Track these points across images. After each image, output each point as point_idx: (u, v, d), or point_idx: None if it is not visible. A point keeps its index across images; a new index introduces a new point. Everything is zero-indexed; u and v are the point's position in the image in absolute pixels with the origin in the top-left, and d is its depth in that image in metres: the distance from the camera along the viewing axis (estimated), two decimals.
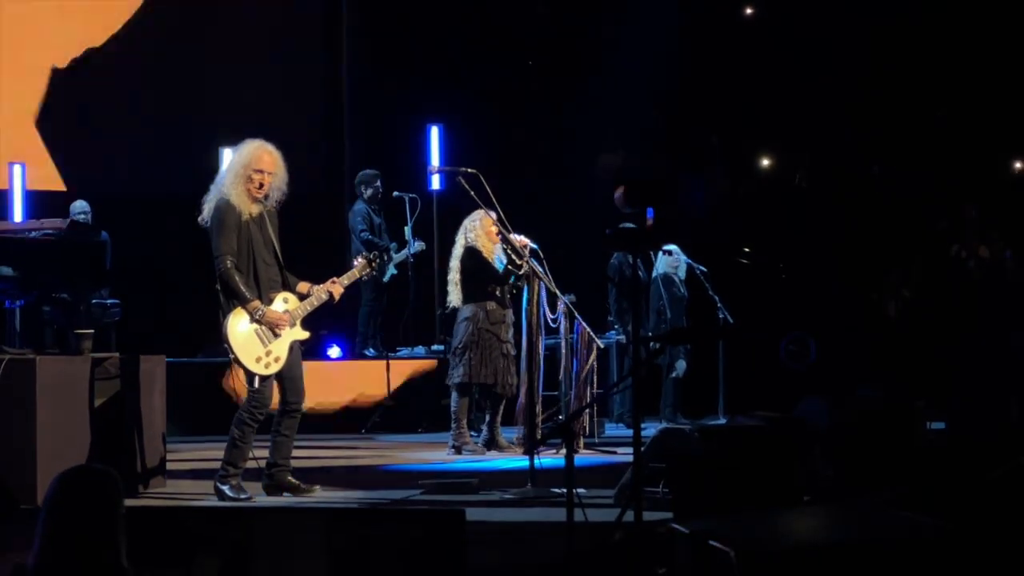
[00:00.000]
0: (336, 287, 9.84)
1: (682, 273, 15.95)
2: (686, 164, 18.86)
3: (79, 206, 15.47)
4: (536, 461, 9.97)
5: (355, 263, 10.17)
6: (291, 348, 9.63)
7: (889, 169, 18.93)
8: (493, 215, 11.52)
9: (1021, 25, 18.03)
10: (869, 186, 18.86)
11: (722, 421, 14.89)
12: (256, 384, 9.52)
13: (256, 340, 9.46)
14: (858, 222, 18.40)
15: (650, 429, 11.06)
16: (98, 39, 18.04)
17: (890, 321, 16.27)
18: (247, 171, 9.59)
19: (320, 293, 9.77)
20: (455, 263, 13.06)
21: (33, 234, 11.94)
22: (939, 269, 16.40)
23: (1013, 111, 18.12)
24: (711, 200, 18.59)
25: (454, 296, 13.09)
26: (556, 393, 13.35)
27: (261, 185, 9.59)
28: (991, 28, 18.26)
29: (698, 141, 19.36)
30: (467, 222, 12.99)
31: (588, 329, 12.89)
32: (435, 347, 16.38)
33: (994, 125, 18.29)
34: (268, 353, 9.50)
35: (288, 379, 9.70)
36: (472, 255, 12.90)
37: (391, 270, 16.05)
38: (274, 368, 9.56)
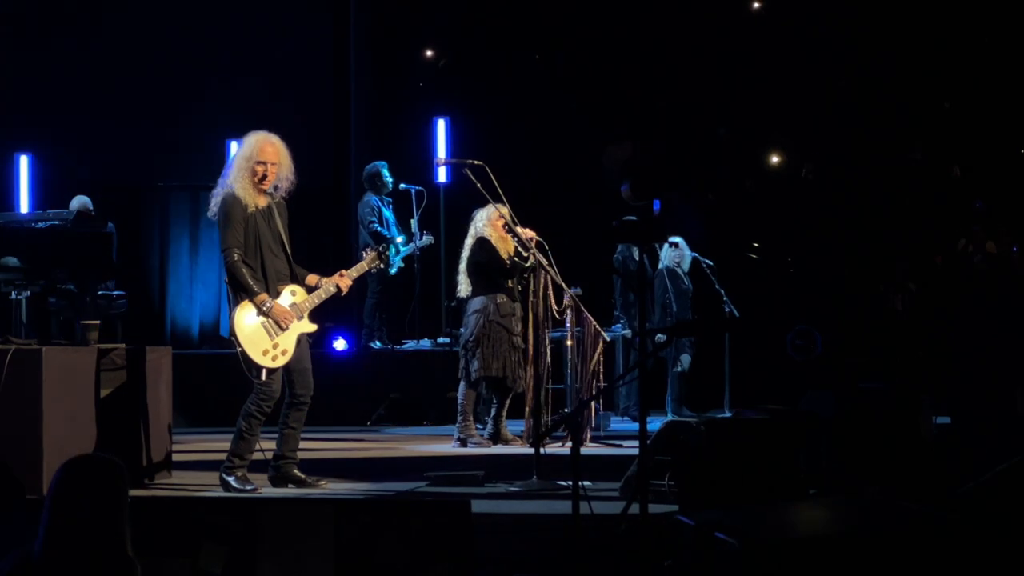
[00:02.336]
0: (344, 280, 9.84)
1: (686, 266, 15.95)
2: (692, 157, 18.87)
3: (79, 202, 15.41)
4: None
5: (364, 255, 10.16)
6: (299, 341, 9.62)
7: (897, 162, 18.93)
8: (503, 208, 11.53)
9: None
10: (877, 179, 18.85)
11: (728, 414, 14.89)
12: (263, 377, 9.52)
13: (263, 333, 9.46)
14: (865, 215, 18.40)
15: (655, 422, 11.06)
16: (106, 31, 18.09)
17: (896, 315, 16.29)
18: (250, 163, 9.58)
19: (328, 286, 9.76)
20: (466, 254, 13.06)
21: (39, 225, 11.95)
22: (945, 263, 16.41)
23: (1021, 104, 18.11)
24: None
25: (463, 287, 13.09)
26: (562, 386, 13.35)
27: (264, 176, 9.57)
28: (998, 20, 18.25)
29: (705, 134, 19.38)
30: (478, 214, 12.98)
31: (594, 322, 12.89)
32: (441, 340, 16.39)
33: (1002, 118, 18.28)
34: (275, 346, 9.49)
35: (296, 372, 9.69)
36: (483, 247, 12.90)
37: (398, 262, 16.06)
38: (281, 361, 9.55)
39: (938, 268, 16.92)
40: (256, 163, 9.56)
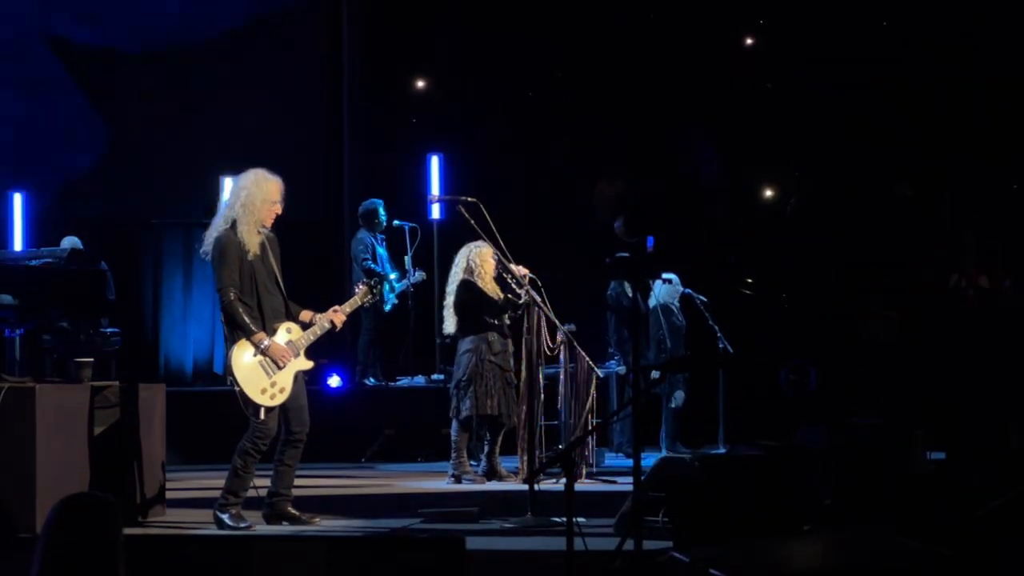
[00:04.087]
0: (338, 315, 9.84)
1: (677, 302, 15.92)
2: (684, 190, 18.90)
3: (70, 242, 15.39)
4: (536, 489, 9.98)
5: (356, 290, 10.17)
6: (295, 378, 9.62)
7: (888, 195, 18.96)
8: (491, 246, 11.53)
9: (1018, 51, 18.07)
10: (867, 214, 18.86)
11: (722, 450, 14.88)
12: (261, 415, 9.50)
13: (261, 371, 9.46)
14: (856, 250, 18.42)
15: (649, 459, 11.06)
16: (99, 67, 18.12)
17: (881, 346, 16.27)
18: (267, 204, 9.57)
19: (323, 322, 9.76)
20: (451, 288, 13.05)
21: (33, 263, 11.96)
22: (937, 297, 16.41)
23: (1012, 137, 18.13)
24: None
25: (449, 323, 13.08)
26: (556, 423, 13.34)
27: (277, 215, 9.64)
28: (987, 52, 18.29)
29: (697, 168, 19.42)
30: (464, 251, 12.97)
31: (587, 359, 12.89)
32: (435, 376, 16.38)
33: (994, 150, 18.30)
34: (273, 384, 9.48)
35: (292, 409, 9.69)
36: (468, 288, 12.87)
37: (392, 299, 16.05)
38: (279, 399, 9.54)
39: (930, 302, 16.91)
40: (273, 203, 9.59)
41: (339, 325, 9.89)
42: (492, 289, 12.88)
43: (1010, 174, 18.72)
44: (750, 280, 18.75)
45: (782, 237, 19.16)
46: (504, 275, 12.62)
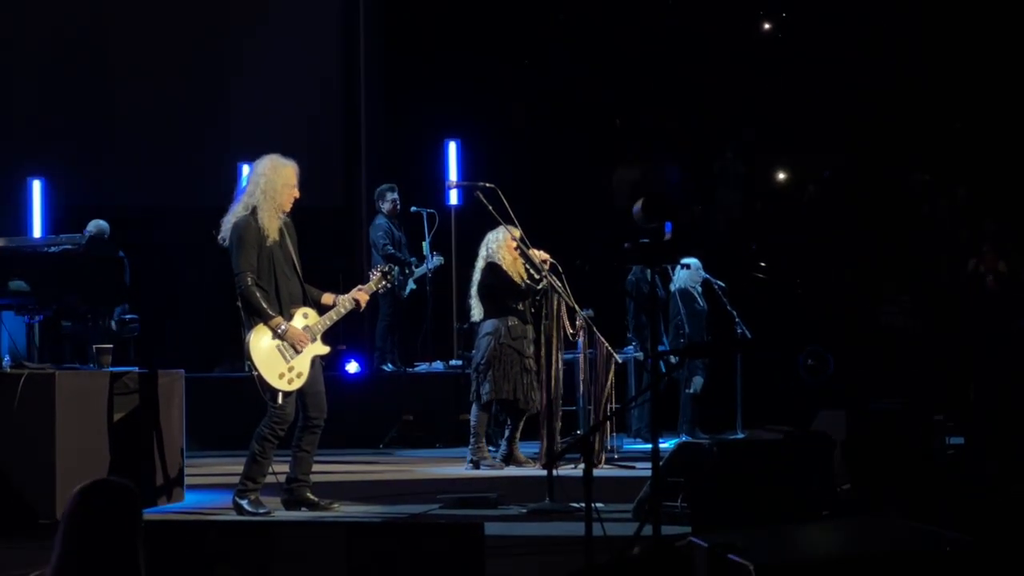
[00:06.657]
0: (362, 295, 9.84)
1: (699, 286, 15.89)
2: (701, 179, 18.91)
3: (96, 225, 15.40)
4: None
5: (371, 276, 10.17)
6: (313, 363, 9.63)
7: (908, 182, 18.94)
8: (515, 231, 11.53)
9: None
10: (885, 199, 18.84)
11: (740, 435, 14.87)
12: (279, 400, 9.51)
13: (278, 356, 9.46)
14: (873, 235, 18.40)
15: (668, 444, 11.05)
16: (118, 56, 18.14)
17: (899, 331, 16.27)
18: (286, 188, 9.59)
19: (345, 302, 9.76)
20: (477, 278, 13.06)
21: (51, 249, 11.95)
22: (956, 283, 16.39)
23: None
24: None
25: (477, 311, 13.09)
26: (574, 408, 13.34)
27: (295, 199, 9.66)
28: (1008, 40, 18.25)
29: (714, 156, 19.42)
30: (489, 236, 12.98)
31: (606, 344, 12.88)
32: (453, 362, 16.38)
33: (1012, 138, 18.27)
34: (291, 369, 9.49)
35: (310, 394, 9.69)
36: (493, 271, 12.90)
37: (410, 285, 16.05)
38: (297, 384, 9.55)
39: (948, 288, 16.90)
40: (292, 187, 9.61)
41: (363, 305, 9.89)
42: (516, 273, 12.89)
43: None
44: (763, 264, 18.75)
45: (798, 224, 19.16)
46: (523, 260, 12.63)
